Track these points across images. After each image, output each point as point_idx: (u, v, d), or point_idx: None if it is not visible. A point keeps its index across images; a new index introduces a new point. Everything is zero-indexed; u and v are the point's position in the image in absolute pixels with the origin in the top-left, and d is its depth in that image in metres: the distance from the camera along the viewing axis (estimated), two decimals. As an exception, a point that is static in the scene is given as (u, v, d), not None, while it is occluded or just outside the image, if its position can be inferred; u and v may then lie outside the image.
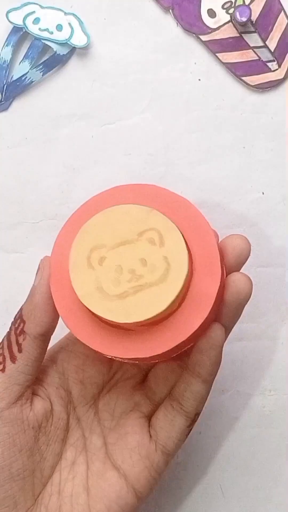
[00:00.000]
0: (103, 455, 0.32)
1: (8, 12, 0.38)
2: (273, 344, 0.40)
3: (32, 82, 0.39)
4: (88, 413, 0.33)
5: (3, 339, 0.32)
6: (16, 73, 0.39)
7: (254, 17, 0.39)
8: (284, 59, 0.39)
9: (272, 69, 0.39)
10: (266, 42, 0.39)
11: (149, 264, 0.28)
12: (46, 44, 0.38)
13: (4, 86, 0.39)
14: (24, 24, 0.38)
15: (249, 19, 0.38)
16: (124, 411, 0.33)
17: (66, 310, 0.29)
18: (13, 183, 0.39)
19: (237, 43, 0.39)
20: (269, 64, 0.39)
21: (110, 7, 0.39)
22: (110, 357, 0.29)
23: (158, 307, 0.27)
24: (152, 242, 0.28)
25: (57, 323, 0.31)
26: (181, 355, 0.31)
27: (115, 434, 0.33)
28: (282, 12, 0.39)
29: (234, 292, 0.30)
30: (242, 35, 0.39)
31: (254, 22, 0.39)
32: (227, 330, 0.31)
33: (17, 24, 0.38)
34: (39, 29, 0.38)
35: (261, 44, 0.39)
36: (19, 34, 0.39)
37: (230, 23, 0.39)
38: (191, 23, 0.39)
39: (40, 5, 0.38)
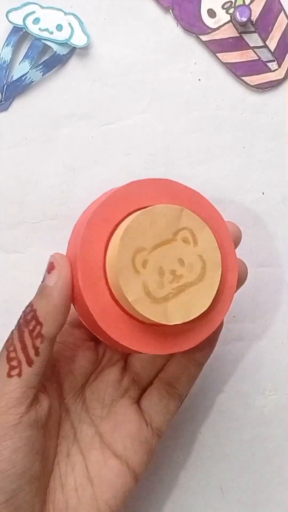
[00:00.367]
0: (99, 444, 0.33)
1: (8, 12, 0.38)
2: (273, 344, 0.40)
3: (32, 82, 0.39)
4: (76, 403, 0.33)
5: (11, 341, 0.30)
6: (16, 73, 0.39)
7: (254, 17, 0.39)
8: (284, 59, 0.39)
9: (272, 69, 0.39)
10: (266, 42, 0.39)
11: (187, 263, 0.29)
12: (46, 44, 0.38)
13: (4, 86, 0.39)
14: (24, 24, 0.38)
15: (249, 19, 0.38)
16: (114, 399, 0.34)
17: (100, 311, 0.29)
18: (13, 183, 0.39)
19: (237, 43, 0.39)
20: (269, 64, 0.39)
21: (110, 7, 0.39)
22: (146, 353, 0.30)
23: (201, 307, 0.29)
24: (187, 241, 0.29)
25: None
26: None
27: (111, 422, 0.33)
28: (282, 12, 0.39)
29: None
30: (242, 35, 0.39)
31: (254, 22, 0.39)
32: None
33: (17, 24, 0.38)
34: (39, 29, 0.38)
35: (261, 44, 0.39)
36: (19, 34, 0.39)
37: (230, 23, 0.39)
38: (191, 23, 0.39)
39: (40, 5, 0.38)
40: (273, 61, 0.39)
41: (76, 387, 0.34)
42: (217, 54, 0.39)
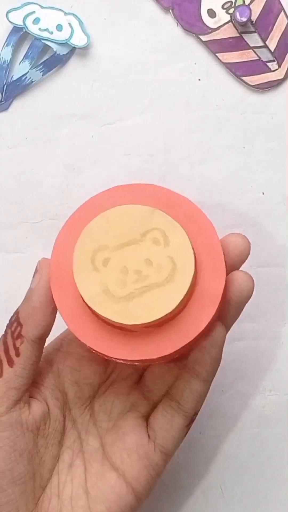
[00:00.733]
0: (101, 456, 0.32)
1: (8, 12, 0.38)
2: (273, 344, 0.40)
3: (32, 82, 0.39)
4: (84, 414, 0.33)
5: None
6: (16, 73, 0.39)
7: (254, 17, 0.39)
8: (284, 59, 0.39)
9: (272, 69, 0.39)
10: (266, 42, 0.39)
11: (155, 264, 0.28)
12: (46, 44, 0.38)
13: (4, 86, 0.39)
14: (24, 24, 0.38)
15: (249, 19, 0.38)
16: (121, 412, 0.33)
17: (69, 312, 0.29)
18: (13, 183, 0.39)
19: (237, 43, 0.39)
20: (269, 64, 0.39)
21: (110, 7, 0.39)
22: (115, 359, 0.29)
23: (165, 308, 0.27)
24: (157, 242, 0.28)
25: (53, 325, 0.31)
26: (181, 355, 0.31)
27: (113, 435, 0.33)
28: (282, 12, 0.39)
29: (237, 291, 0.30)
30: (242, 35, 0.39)
31: (254, 22, 0.39)
32: (227, 328, 0.31)
33: (17, 24, 0.38)
34: (39, 29, 0.38)
35: (261, 44, 0.39)
36: (19, 34, 0.39)
37: (230, 23, 0.39)
38: (191, 23, 0.39)
39: (40, 5, 0.38)
40: (273, 61, 0.39)
41: (83, 398, 0.33)
42: (217, 54, 0.39)
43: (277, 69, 0.39)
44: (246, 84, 0.39)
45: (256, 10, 0.39)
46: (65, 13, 0.39)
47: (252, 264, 0.39)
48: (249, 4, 0.39)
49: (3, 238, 0.39)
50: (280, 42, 0.39)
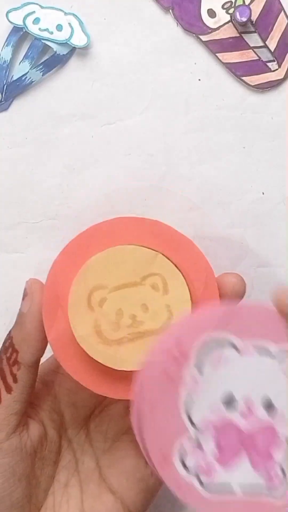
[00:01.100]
0: (97, 477, 0.32)
1: (8, 12, 0.38)
2: (273, 344, 0.40)
3: (32, 82, 0.39)
4: (80, 435, 0.33)
5: None
6: (16, 73, 0.39)
7: (254, 17, 0.39)
8: (284, 59, 0.39)
9: (272, 69, 0.39)
10: (266, 42, 0.39)
11: (151, 311, 0.27)
12: (46, 44, 0.38)
13: (4, 86, 0.39)
14: (24, 24, 0.38)
15: (249, 19, 0.38)
16: (117, 433, 0.33)
17: (58, 343, 0.28)
18: (13, 183, 0.39)
19: (237, 43, 0.39)
20: (269, 64, 0.39)
21: (110, 7, 0.39)
22: (97, 392, 0.28)
23: None
24: (156, 288, 0.28)
25: (46, 346, 0.30)
26: None
27: (110, 457, 0.32)
28: (282, 12, 0.39)
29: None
30: (242, 35, 0.39)
31: (254, 22, 0.39)
32: None
33: (17, 24, 0.38)
34: (39, 29, 0.38)
35: (261, 44, 0.39)
36: (19, 34, 0.39)
37: (230, 23, 0.39)
38: (191, 23, 0.39)
39: (40, 5, 0.38)
40: (273, 61, 0.39)
41: (78, 419, 0.33)
42: (217, 54, 0.39)
43: (277, 69, 0.39)
44: (246, 84, 0.39)
45: (256, 10, 0.39)
46: (65, 13, 0.39)
47: (252, 264, 0.39)
48: (249, 4, 0.39)
49: (3, 238, 0.39)
50: (280, 42, 0.39)
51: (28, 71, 0.39)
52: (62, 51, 0.39)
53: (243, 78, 0.39)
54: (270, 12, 0.39)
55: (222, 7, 0.39)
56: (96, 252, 0.28)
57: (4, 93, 0.39)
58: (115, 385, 0.28)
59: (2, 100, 0.39)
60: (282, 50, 0.39)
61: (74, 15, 0.38)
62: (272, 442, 0.26)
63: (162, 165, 0.39)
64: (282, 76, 0.39)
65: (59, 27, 0.38)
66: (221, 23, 0.39)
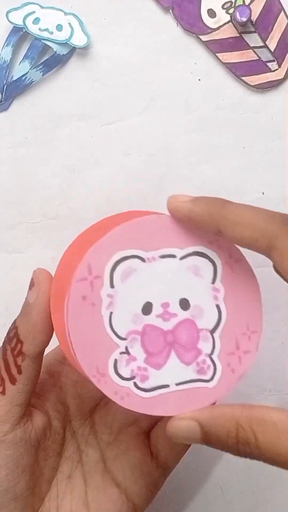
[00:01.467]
0: (102, 469, 0.32)
1: (8, 12, 0.38)
2: (273, 344, 0.40)
3: (32, 82, 0.39)
4: (84, 426, 0.33)
5: None
6: (16, 73, 0.39)
7: (254, 17, 0.39)
8: (284, 59, 0.39)
9: (272, 69, 0.39)
10: (266, 42, 0.39)
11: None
12: (46, 44, 0.38)
13: (4, 86, 0.39)
14: (24, 24, 0.38)
15: (249, 19, 0.38)
16: (122, 426, 0.33)
17: (64, 334, 0.28)
18: (13, 183, 0.39)
19: (237, 43, 0.39)
20: (269, 64, 0.39)
21: (110, 7, 0.39)
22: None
23: None
24: None
25: (52, 336, 0.30)
26: None
27: (115, 449, 0.32)
28: (282, 12, 0.39)
29: None
30: (242, 35, 0.39)
31: (254, 22, 0.39)
32: None
33: (17, 24, 0.38)
34: (39, 29, 0.38)
35: (261, 44, 0.39)
36: (19, 34, 0.39)
37: (230, 23, 0.39)
38: (191, 23, 0.39)
39: (40, 5, 0.38)
40: (273, 61, 0.39)
41: (84, 410, 0.33)
42: (217, 54, 0.39)
43: (277, 69, 0.39)
44: (246, 84, 0.39)
45: (256, 10, 0.39)
46: (65, 13, 0.39)
47: (252, 264, 0.39)
48: (249, 4, 0.39)
49: (3, 238, 0.39)
50: (280, 42, 0.39)
51: (28, 71, 0.39)
52: (62, 51, 0.39)
53: (243, 78, 0.39)
54: (270, 12, 0.39)
55: (222, 7, 0.39)
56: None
57: (4, 93, 0.39)
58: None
59: (2, 100, 0.39)
60: (282, 50, 0.39)
61: (74, 15, 0.38)
62: (196, 337, 0.28)
63: (162, 165, 0.39)
64: (282, 76, 0.39)
65: (59, 27, 0.38)
66: (221, 23, 0.39)
